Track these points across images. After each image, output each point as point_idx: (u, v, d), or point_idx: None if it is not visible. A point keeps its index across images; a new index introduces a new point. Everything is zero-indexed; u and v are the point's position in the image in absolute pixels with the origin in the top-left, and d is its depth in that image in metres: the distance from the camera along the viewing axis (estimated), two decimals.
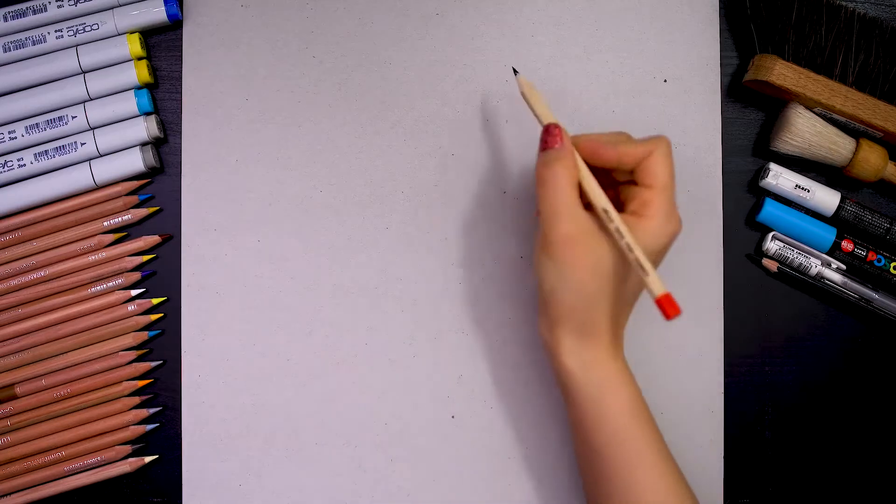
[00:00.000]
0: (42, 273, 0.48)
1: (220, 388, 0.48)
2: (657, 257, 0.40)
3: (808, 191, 0.48)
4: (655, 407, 0.48)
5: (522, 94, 0.44)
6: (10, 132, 0.47)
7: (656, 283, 0.38)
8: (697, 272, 0.49)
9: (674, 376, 0.49)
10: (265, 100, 0.49)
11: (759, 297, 0.50)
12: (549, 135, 0.41)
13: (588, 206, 0.41)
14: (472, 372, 0.49)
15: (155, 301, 0.49)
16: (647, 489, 0.40)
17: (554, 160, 0.40)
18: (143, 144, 0.48)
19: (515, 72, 0.45)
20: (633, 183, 0.41)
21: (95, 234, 0.48)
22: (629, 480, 0.40)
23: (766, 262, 0.49)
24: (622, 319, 0.42)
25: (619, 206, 0.42)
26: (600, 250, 0.39)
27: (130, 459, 0.48)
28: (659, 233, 0.40)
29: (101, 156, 0.48)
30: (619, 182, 0.43)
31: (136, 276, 0.48)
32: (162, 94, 0.49)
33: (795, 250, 0.49)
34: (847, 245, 0.48)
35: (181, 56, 0.49)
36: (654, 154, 0.40)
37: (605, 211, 0.39)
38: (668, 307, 0.37)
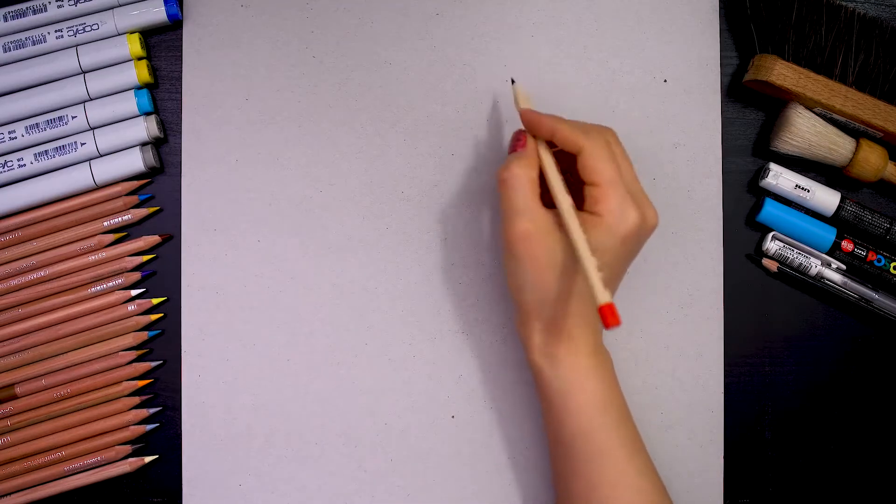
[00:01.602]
0: (42, 273, 0.48)
1: (220, 388, 0.48)
2: (618, 252, 0.40)
3: (808, 191, 0.48)
4: (655, 407, 0.48)
5: (516, 102, 0.45)
6: (10, 132, 0.48)
7: (599, 290, 0.37)
8: (697, 272, 0.49)
9: (674, 376, 0.49)
10: (265, 100, 0.49)
11: (759, 297, 0.50)
12: (516, 140, 0.43)
13: (550, 205, 0.41)
14: (472, 372, 0.49)
15: (155, 301, 0.49)
16: (610, 485, 0.40)
17: (513, 161, 0.41)
18: (143, 144, 0.48)
19: (513, 81, 0.46)
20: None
21: (95, 234, 0.48)
22: (592, 476, 0.41)
23: (766, 262, 0.49)
24: (594, 315, 0.42)
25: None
26: (558, 247, 0.40)
27: (130, 459, 0.48)
28: (614, 228, 0.40)
29: (101, 156, 0.48)
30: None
31: (136, 276, 0.48)
32: (162, 94, 0.49)
33: (795, 250, 0.49)
34: (847, 245, 0.48)
35: (181, 56, 0.49)
36: (584, 151, 0.40)
37: (563, 210, 0.40)
38: (608, 317, 0.36)
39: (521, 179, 0.40)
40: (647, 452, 0.42)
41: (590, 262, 0.38)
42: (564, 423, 0.41)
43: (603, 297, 0.36)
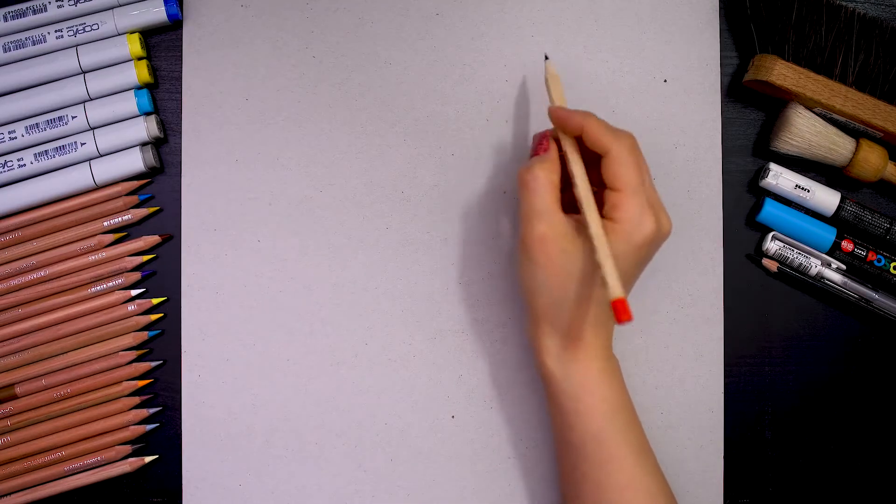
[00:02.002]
0: (42, 273, 0.48)
1: (220, 388, 0.48)
2: (632, 258, 0.40)
3: (808, 191, 0.48)
4: (655, 407, 0.48)
5: (546, 80, 0.45)
6: (10, 132, 0.48)
7: (614, 285, 0.37)
8: (697, 272, 0.49)
9: (674, 376, 0.49)
10: (265, 100, 0.49)
11: (759, 297, 0.50)
12: (539, 144, 0.43)
13: (567, 210, 0.41)
14: (472, 372, 0.49)
15: (155, 301, 0.49)
16: (620, 488, 0.41)
17: (535, 163, 0.41)
18: (143, 144, 0.48)
19: (546, 57, 0.47)
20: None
21: (95, 234, 0.48)
22: (602, 479, 0.41)
23: (766, 262, 0.49)
24: (606, 321, 0.42)
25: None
26: (575, 252, 0.40)
27: (130, 459, 0.48)
28: (630, 236, 0.39)
29: (101, 156, 0.48)
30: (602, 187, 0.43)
31: (136, 276, 0.48)
32: (162, 94, 0.49)
33: (795, 250, 0.49)
34: (847, 245, 0.48)
35: (181, 56, 0.49)
36: (611, 155, 0.40)
37: (584, 204, 0.40)
38: (620, 312, 0.36)
39: (543, 182, 0.40)
40: (654, 455, 0.42)
41: (606, 256, 0.38)
42: (574, 427, 0.41)
43: (617, 291, 0.36)
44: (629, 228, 0.39)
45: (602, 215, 0.41)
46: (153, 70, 0.49)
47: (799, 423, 0.49)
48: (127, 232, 0.49)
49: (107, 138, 0.48)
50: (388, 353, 0.48)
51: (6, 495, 0.48)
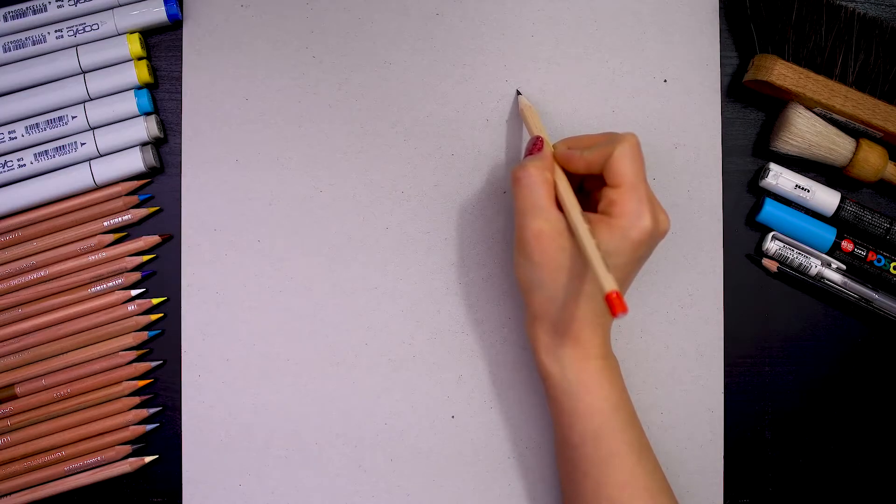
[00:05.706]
0: (42, 273, 0.48)
1: (220, 388, 0.48)
2: (628, 255, 0.40)
3: (808, 191, 0.48)
4: (655, 407, 0.48)
5: (521, 112, 0.46)
6: (10, 132, 0.48)
7: (606, 279, 0.37)
8: (697, 272, 0.49)
9: (674, 376, 0.49)
10: (265, 100, 0.49)
11: (759, 297, 0.50)
12: (533, 145, 0.43)
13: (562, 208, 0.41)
14: (472, 372, 0.49)
15: (155, 301, 0.49)
16: (619, 486, 0.40)
17: (528, 161, 0.42)
18: (143, 144, 0.48)
19: (519, 93, 0.48)
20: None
21: (95, 234, 0.48)
22: (602, 477, 0.41)
23: (766, 262, 0.49)
24: (603, 318, 0.42)
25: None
26: (571, 249, 0.40)
27: (130, 459, 0.48)
28: (627, 231, 0.39)
29: (101, 156, 0.48)
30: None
31: (136, 276, 0.48)
32: (162, 94, 0.49)
33: (795, 250, 0.49)
34: (847, 245, 0.48)
35: (181, 56, 0.49)
36: (613, 154, 0.40)
37: (568, 206, 0.40)
38: (616, 305, 0.35)
39: (537, 178, 0.41)
40: (654, 454, 0.42)
41: (593, 249, 0.38)
42: (574, 426, 0.41)
43: (608, 284, 0.36)
44: (626, 224, 0.39)
45: (599, 211, 0.41)
46: (153, 70, 0.49)
47: (799, 423, 0.49)
48: (127, 232, 0.49)
49: (107, 138, 0.48)
50: (388, 353, 0.48)
51: (6, 495, 0.48)
